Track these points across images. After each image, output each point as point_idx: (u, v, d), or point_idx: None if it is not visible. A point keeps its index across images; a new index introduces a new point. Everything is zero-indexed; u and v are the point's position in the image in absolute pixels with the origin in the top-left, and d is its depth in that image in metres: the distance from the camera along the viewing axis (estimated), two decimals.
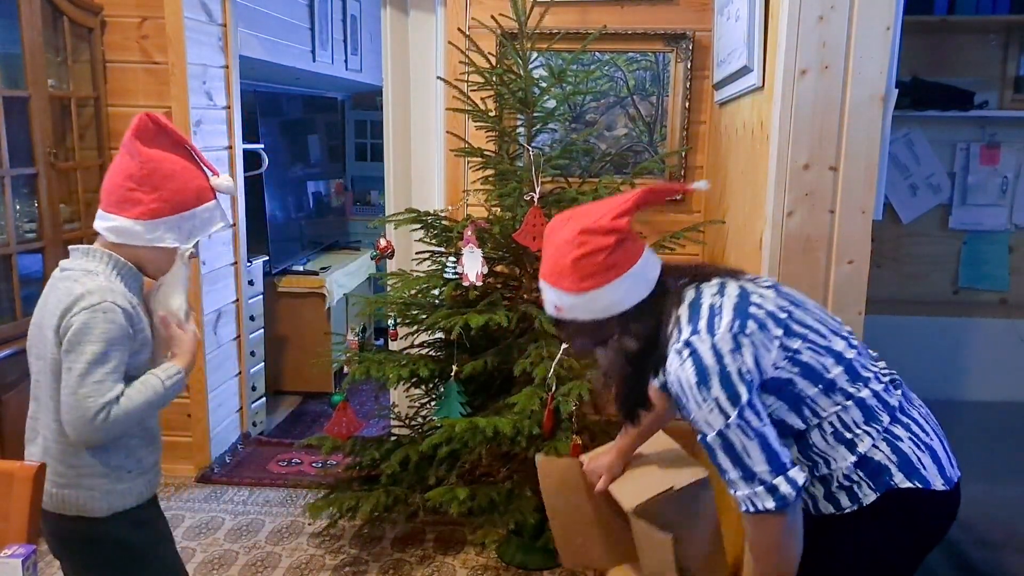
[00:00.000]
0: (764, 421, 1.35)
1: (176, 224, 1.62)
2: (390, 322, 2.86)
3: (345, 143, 6.17)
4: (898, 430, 1.44)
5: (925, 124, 3.12)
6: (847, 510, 1.44)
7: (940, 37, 3.06)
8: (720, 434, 1.34)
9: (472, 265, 2.56)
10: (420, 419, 3.01)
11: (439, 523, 3.02)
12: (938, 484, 1.41)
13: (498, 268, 2.87)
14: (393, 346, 3.05)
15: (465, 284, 2.57)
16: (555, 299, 1.47)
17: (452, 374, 2.60)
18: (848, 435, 1.42)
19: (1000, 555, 2.34)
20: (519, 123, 2.87)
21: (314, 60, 4.58)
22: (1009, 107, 3.08)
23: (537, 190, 2.53)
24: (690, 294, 1.46)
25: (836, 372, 1.42)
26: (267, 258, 4.19)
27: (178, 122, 3.19)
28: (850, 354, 1.45)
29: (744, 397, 1.33)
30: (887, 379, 1.50)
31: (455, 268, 2.62)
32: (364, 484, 2.87)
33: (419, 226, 2.81)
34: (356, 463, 2.93)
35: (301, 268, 4.56)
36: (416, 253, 2.98)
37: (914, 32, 2.84)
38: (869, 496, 1.42)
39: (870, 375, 1.46)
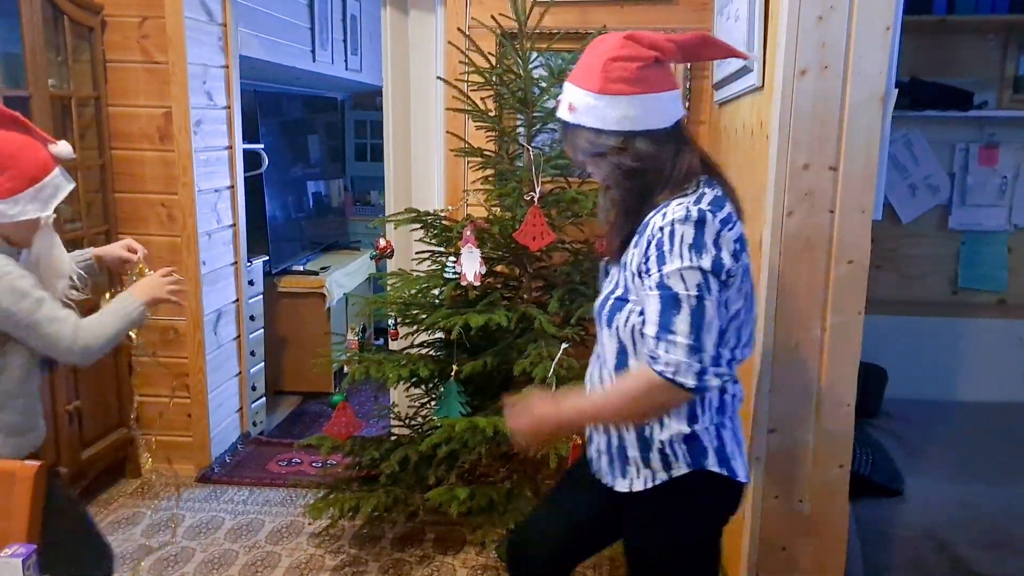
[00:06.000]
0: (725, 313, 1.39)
1: (33, 196, 1.74)
2: (390, 322, 2.87)
3: (345, 143, 6.18)
4: (731, 422, 1.53)
5: (924, 124, 3.12)
6: (650, 485, 1.50)
7: (939, 37, 3.06)
8: (687, 288, 1.34)
9: (470, 265, 2.56)
10: (420, 419, 3.01)
11: (439, 523, 3.02)
12: (742, 476, 1.52)
13: (498, 268, 2.88)
14: (393, 346, 3.05)
15: (463, 284, 2.58)
16: (573, 98, 1.45)
17: (452, 374, 2.61)
18: (695, 409, 1.47)
19: (999, 555, 2.34)
20: (519, 123, 2.87)
21: (314, 60, 4.59)
22: (1008, 107, 3.07)
23: (537, 190, 2.54)
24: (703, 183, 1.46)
25: (727, 349, 1.45)
26: (267, 258, 4.19)
27: (178, 122, 3.19)
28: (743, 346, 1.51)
29: (727, 266, 1.36)
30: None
31: (455, 268, 2.62)
32: (364, 484, 2.87)
33: (419, 226, 2.82)
34: (356, 463, 2.93)
35: (301, 268, 4.57)
36: (416, 253, 2.98)
37: (913, 32, 2.84)
38: (681, 470, 1.48)
39: (734, 370, 1.52)
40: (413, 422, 3.00)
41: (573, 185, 2.89)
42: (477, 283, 2.57)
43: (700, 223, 1.35)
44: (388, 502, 2.74)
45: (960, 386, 3.17)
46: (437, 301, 2.77)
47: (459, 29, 3.00)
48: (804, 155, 2.03)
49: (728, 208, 1.43)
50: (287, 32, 4.22)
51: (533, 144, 2.67)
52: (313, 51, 4.57)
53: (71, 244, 2.98)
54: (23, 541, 1.49)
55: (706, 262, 1.34)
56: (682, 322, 1.33)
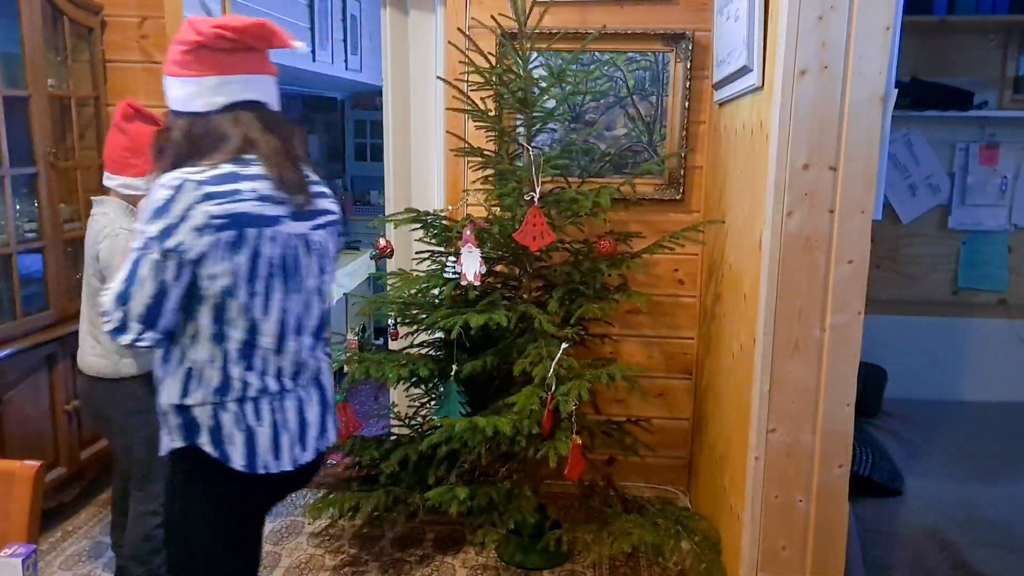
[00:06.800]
0: (177, 282, 1.43)
1: None
2: (390, 322, 2.86)
3: (345, 143, 6.18)
4: (238, 407, 1.51)
5: (924, 124, 3.12)
6: (168, 451, 1.56)
7: (939, 37, 3.06)
8: (135, 246, 1.42)
9: (470, 265, 2.56)
10: (420, 419, 3.01)
11: (439, 523, 3.02)
12: (239, 464, 1.52)
13: (498, 268, 2.87)
14: (393, 346, 3.05)
15: (463, 284, 2.57)
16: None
17: (452, 374, 2.61)
18: (187, 384, 1.50)
19: (999, 554, 2.34)
20: (519, 123, 2.87)
21: (314, 60, 4.59)
22: (1008, 107, 3.08)
23: (537, 190, 2.54)
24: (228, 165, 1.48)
25: (237, 336, 1.49)
26: None
27: None
28: (267, 341, 1.52)
29: (180, 239, 1.39)
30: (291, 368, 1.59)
31: (455, 268, 2.62)
32: (364, 484, 2.87)
33: (419, 226, 2.82)
34: (356, 463, 2.93)
35: None
36: (416, 253, 2.98)
37: (913, 32, 2.84)
38: (177, 442, 1.53)
39: (260, 365, 1.53)
40: (413, 422, 3.00)
41: (573, 185, 2.89)
42: (477, 283, 2.57)
43: (177, 189, 1.40)
44: (388, 502, 2.74)
45: (960, 386, 3.17)
46: (437, 301, 2.77)
47: (459, 29, 3.00)
48: (804, 155, 2.03)
49: (234, 186, 1.44)
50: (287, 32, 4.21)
51: (533, 144, 2.66)
52: (313, 51, 4.57)
53: (71, 244, 2.99)
54: (23, 541, 1.49)
55: (155, 228, 1.40)
56: (120, 274, 1.43)
